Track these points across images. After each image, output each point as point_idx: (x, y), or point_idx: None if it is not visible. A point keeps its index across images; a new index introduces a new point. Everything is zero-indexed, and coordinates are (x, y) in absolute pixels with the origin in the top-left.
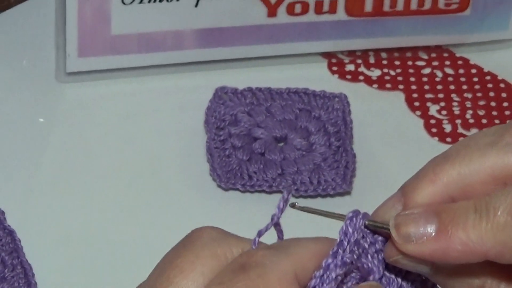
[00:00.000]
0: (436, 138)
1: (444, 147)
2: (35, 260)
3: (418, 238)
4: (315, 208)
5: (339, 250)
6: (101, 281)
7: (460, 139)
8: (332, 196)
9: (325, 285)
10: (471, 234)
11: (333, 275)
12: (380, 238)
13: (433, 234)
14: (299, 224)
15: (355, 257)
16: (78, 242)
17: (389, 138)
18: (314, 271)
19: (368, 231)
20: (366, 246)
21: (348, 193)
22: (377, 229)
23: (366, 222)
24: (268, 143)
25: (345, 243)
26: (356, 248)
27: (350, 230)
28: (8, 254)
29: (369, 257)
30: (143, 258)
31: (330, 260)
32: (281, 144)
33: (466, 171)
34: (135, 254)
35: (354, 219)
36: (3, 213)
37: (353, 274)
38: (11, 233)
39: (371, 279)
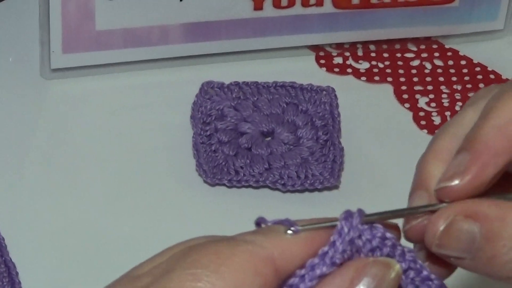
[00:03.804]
0: (425, 131)
1: None
2: (19, 258)
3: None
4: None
5: (329, 251)
6: (86, 279)
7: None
8: (320, 190)
9: (307, 281)
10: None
11: (318, 273)
12: (378, 234)
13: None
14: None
15: (345, 256)
16: (63, 240)
17: (377, 131)
18: (300, 257)
19: (366, 227)
20: (361, 244)
21: (336, 187)
22: (377, 220)
23: (364, 218)
24: (255, 138)
25: (338, 244)
26: (349, 248)
27: (346, 230)
28: None
29: (362, 255)
30: (129, 254)
31: (316, 261)
32: (268, 138)
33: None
34: (121, 251)
35: (350, 218)
36: None
37: None
38: None
39: None
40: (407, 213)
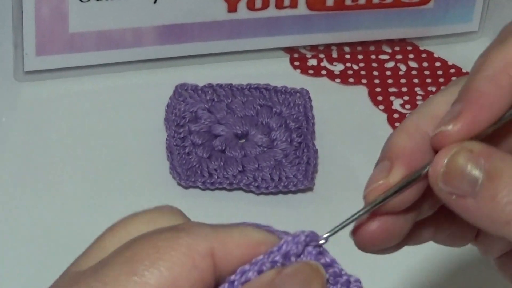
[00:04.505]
0: None
1: None
2: None
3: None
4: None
5: (262, 260)
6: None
7: None
8: (294, 192)
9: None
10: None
11: (244, 279)
12: (323, 260)
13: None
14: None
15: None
16: (37, 242)
17: (352, 133)
18: (238, 261)
19: (313, 251)
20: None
21: (310, 189)
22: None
23: (326, 235)
24: (228, 140)
25: (273, 255)
26: (282, 260)
27: (285, 245)
28: None
29: None
30: None
31: (247, 267)
32: (242, 140)
33: None
34: None
35: (297, 238)
36: None
37: None
38: None
39: None
40: (349, 222)
